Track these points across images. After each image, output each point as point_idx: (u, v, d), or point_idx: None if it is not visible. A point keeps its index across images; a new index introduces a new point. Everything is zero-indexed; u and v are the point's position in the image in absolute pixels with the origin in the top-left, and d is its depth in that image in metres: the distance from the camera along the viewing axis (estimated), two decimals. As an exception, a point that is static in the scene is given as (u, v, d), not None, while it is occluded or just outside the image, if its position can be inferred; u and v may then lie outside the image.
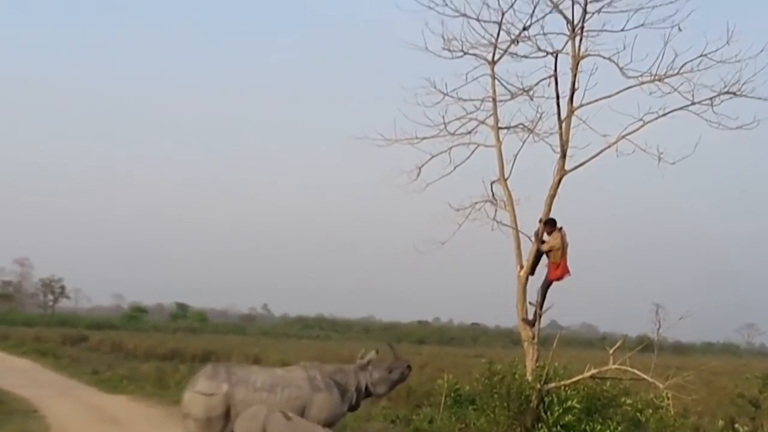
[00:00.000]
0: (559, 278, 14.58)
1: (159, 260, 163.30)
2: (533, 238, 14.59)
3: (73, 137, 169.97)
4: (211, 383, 12.57)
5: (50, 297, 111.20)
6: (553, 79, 14.46)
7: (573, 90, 14.27)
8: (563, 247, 14.42)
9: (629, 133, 14.17)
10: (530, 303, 14.52)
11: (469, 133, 15.66)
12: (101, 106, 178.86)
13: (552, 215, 14.40)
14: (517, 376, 13.78)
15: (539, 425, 13.07)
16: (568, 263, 14.52)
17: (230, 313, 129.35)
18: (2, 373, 28.81)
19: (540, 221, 14.61)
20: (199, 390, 12.57)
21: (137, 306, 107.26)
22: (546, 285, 14.55)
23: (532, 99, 15.10)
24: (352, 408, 13.29)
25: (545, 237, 14.49)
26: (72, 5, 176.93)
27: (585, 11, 14.13)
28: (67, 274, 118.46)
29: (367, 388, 13.12)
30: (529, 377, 13.80)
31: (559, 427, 12.97)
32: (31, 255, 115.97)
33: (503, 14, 14.68)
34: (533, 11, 14.49)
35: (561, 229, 14.42)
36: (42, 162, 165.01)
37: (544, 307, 14.38)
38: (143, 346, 46.01)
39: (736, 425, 18.54)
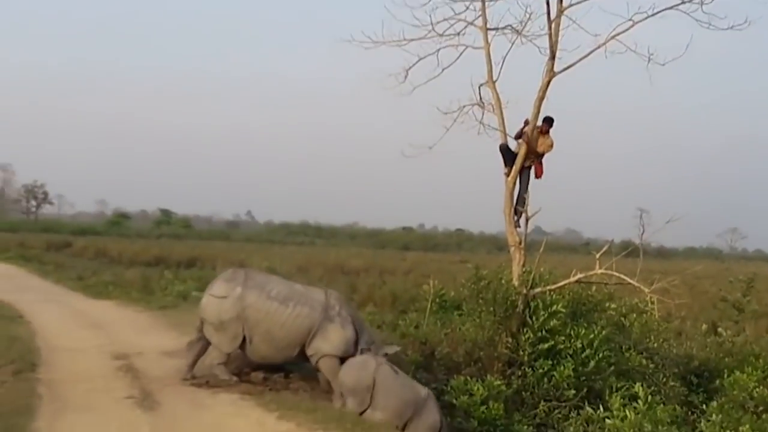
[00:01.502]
0: (538, 175, 14.60)
1: (143, 166, 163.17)
2: (520, 140, 14.48)
3: (54, 35, 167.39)
4: (227, 286, 12.47)
5: (33, 203, 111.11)
6: (543, -23, 14.14)
7: (563, -11, 13.97)
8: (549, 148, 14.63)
9: (619, 34, 13.92)
10: (517, 208, 14.44)
11: (458, 34, 15.35)
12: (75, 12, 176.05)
13: (541, 117, 14.23)
14: (503, 281, 13.72)
15: (525, 330, 13.07)
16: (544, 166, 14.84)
17: (214, 219, 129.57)
18: (-14, 279, 28.81)
19: (525, 122, 14.47)
20: (214, 293, 12.51)
21: (121, 212, 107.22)
22: (527, 179, 14.59)
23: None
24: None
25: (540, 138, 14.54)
26: None
27: None
28: (50, 179, 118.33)
29: None
30: (516, 282, 13.76)
31: (544, 332, 12.97)
32: (13, 161, 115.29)
33: None
34: None
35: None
36: (22, 62, 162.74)
37: (530, 213, 14.31)
38: (128, 252, 46.09)
39: (719, 329, 18.71)
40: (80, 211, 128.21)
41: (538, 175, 14.64)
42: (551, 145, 14.57)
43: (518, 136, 14.57)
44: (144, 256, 43.31)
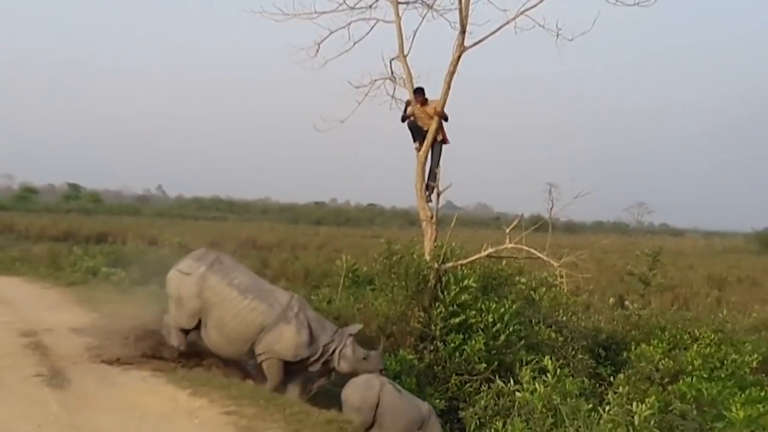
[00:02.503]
0: (443, 141, 14.69)
1: (51, 139, 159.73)
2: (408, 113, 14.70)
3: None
4: (194, 263, 12.40)
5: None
6: (453, -48, 14.15)
7: (473, -36, 13.99)
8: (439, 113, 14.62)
9: (528, 9, 14.04)
10: (429, 183, 14.50)
11: (369, 7, 15.36)
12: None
13: (451, 92, 14.26)
14: (415, 256, 13.77)
15: (436, 304, 13.15)
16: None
17: (124, 194, 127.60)
18: None
19: (406, 103, 14.60)
20: (180, 268, 12.43)
21: (27, 186, 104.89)
22: (438, 149, 14.71)
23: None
24: (308, 365, 12.91)
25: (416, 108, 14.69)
26: None
27: None
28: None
29: (332, 354, 12.74)
30: (428, 257, 13.83)
31: (455, 306, 13.07)
32: None
33: None
34: None
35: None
36: None
37: (441, 187, 14.37)
38: (35, 227, 45.03)
39: (626, 302, 19.06)
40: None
41: (441, 139, 14.66)
42: (443, 105, 14.56)
43: (404, 119, 14.64)
44: (52, 231, 42.38)
